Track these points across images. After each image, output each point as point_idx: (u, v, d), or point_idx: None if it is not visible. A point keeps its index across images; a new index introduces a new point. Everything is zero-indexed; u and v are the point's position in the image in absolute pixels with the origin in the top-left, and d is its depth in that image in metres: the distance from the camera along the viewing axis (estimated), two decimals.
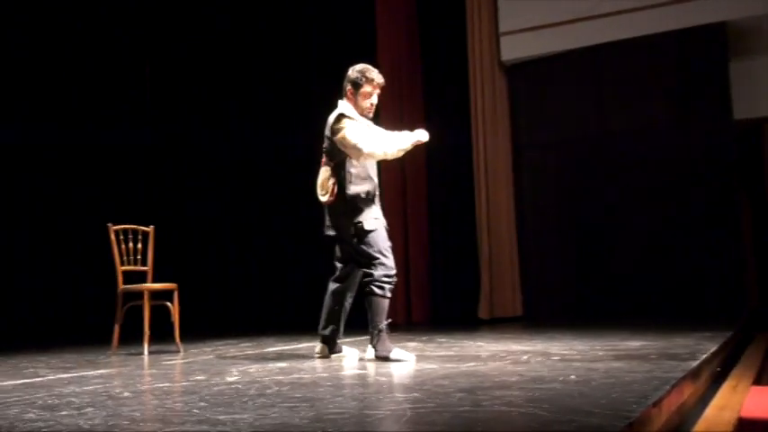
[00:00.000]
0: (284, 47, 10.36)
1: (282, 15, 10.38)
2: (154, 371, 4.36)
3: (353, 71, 4.60)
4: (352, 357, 4.66)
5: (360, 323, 4.78)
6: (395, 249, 4.62)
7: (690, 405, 3.33)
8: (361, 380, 3.59)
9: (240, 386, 3.38)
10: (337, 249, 4.66)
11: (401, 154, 4.51)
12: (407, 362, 4.24)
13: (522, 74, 9.50)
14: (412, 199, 9.47)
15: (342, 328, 4.75)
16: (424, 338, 6.13)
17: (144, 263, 5.87)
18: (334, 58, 9.60)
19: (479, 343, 5.52)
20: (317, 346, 4.79)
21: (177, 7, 9.91)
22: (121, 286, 5.65)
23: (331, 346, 4.75)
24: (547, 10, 9.01)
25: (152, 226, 5.93)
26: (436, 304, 9.58)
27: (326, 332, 4.71)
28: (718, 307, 7.85)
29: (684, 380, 3.20)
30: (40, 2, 8.43)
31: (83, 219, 8.27)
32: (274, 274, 10.14)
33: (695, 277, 8.22)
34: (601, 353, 4.34)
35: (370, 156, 4.43)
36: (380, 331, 4.36)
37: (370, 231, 4.39)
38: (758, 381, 4.17)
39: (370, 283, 4.36)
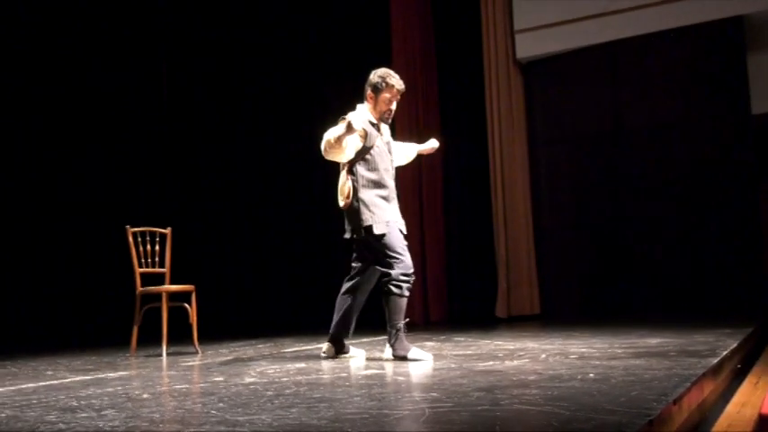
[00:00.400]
0: (298, 48, 10.38)
1: (297, 15, 10.39)
2: (172, 372, 4.37)
3: (375, 75, 4.59)
4: (360, 358, 4.66)
5: (376, 322, 4.78)
6: (411, 249, 4.61)
7: (710, 402, 3.31)
8: (379, 380, 3.58)
9: (258, 387, 3.38)
10: (354, 251, 4.65)
11: (339, 140, 4.28)
12: (425, 361, 4.24)
13: (537, 71, 9.47)
14: (428, 198, 9.46)
15: (351, 329, 4.75)
16: (441, 338, 6.12)
17: (162, 265, 5.90)
18: (349, 59, 9.65)
19: (497, 342, 5.51)
20: (324, 345, 4.79)
21: (194, 7, 9.94)
22: (139, 288, 5.67)
23: (338, 347, 4.75)
24: (561, 7, 8.98)
25: (169, 228, 5.96)
26: (453, 303, 9.57)
27: (336, 332, 4.72)
28: (737, 303, 7.79)
29: (705, 377, 3.17)
30: (59, 3, 8.48)
31: (101, 221, 8.31)
32: (291, 275, 10.16)
33: (714, 274, 8.17)
34: (619, 351, 4.32)
35: (326, 154, 4.38)
36: (398, 330, 4.36)
37: (381, 235, 4.39)
38: None
39: (388, 282, 4.36)
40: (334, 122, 4.60)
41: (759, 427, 2.84)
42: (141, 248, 5.76)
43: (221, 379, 3.79)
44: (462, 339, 5.87)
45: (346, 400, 2.83)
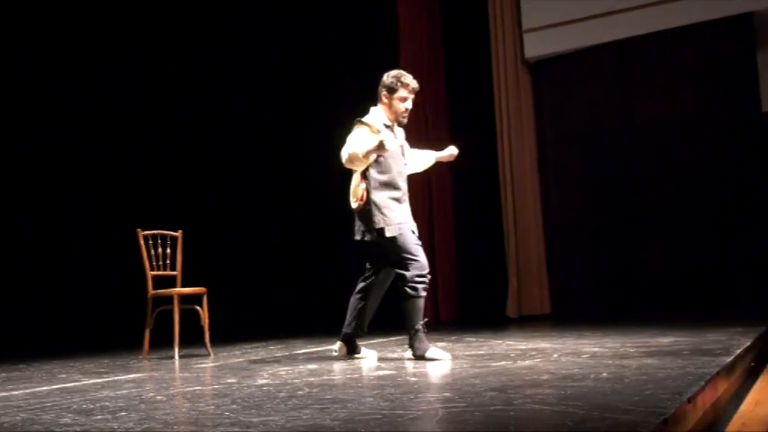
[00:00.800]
0: (306, 49, 10.39)
1: (303, 18, 10.40)
2: (185, 374, 4.39)
3: (388, 77, 4.61)
4: (371, 358, 4.66)
5: (389, 323, 4.78)
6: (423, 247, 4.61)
7: (724, 401, 3.30)
8: (392, 380, 3.58)
9: (271, 388, 3.39)
10: (366, 253, 4.65)
11: (367, 156, 4.32)
12: (443, 361, 4.24)
13: (545, 71, 9.46)
14: (438, 198, 9.46)
15: (364, 329, 4.75)
16: (452, 338, 6.11)
17: (173, 267, 5.91)
18: (356, 59, 9.65)
19: (509, 342, 5.50)
20: (336, 344, 4.80)
21: (201, 10, 9.96)
22: (151, 291, 5.69)
23: (350, 347, 4.76)
24: (569, 6, 8.97)
25: (180, 231, 5.98)
26: (463, 303, 9.57)
27: (350, 330, 4.72)
28: (749, 302, 7.76)
29: (719, 375, 3.16)
30: (66, 8, 8.51)
31: (112, 224, 8.34)
32: (302, 277, 10.17)
33: (726, 272, 8.13)
34: (632, 350, 4.30)
35: (348, 163, 4.41)
36: (417, 331, 4.37)
37: (392, 238, 4.39)
38: None
39: (404, 284, 4.37)
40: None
41: None
42: (153, 251, 5.77)
43: (234, 380, 3.80)
44: (474, 339, 5.87)
45: (359, 401, 2.83)
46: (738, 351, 3.90)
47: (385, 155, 4.45)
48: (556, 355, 4.23)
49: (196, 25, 9.91)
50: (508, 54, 9.38)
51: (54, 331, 7.98)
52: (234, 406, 2.89)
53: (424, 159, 4.97)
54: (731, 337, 4.68)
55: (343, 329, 4.76)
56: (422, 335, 4.38)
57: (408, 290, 4.35)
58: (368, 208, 4.45)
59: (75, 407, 3.13)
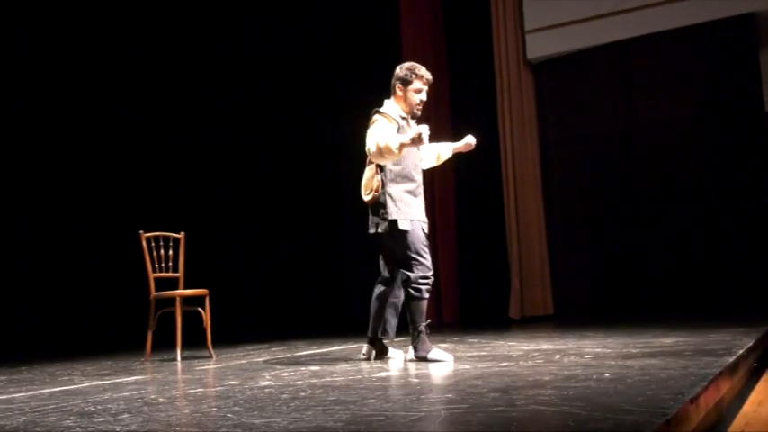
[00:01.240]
0: (309, 52, 10.39)
1: (306, 18, 10.41)
2: (187, 376, 4.39)
3: (401, 69, 4.60)
4: (398, 359, 4.65)
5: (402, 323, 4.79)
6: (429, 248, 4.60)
7: (727, 401, 3.29)
8: (395, 381, 3.58)
9: (273, 390, 3.39)
10: (380, 249, 4.64)
11: (401, 149, 4.27)
12: (446, 362, 4.24)
13: (548, 71, 9.47)
14: (440, 198, 9.47)
15: (390, 330, 4.71)
16: (455, 339, 6.11)
17: (175, 269, 5.91)
18: (360, 61, 9.66)
19: (511, 342, 5.50)
20: (364, 347, 4.79)
21: (204, 16, 9.96)
22: (153, 293, 5.69)
23: (377, 348, 4.75)
24: (572, 7, 8.97)
25: (183, 232, 5.98)
26: (466, 304, 9.56)
27: (372, 334, 4.72)
28: (752, 302, 7.75)
29: (721, 376, 3.15)
30: (74, 15, 8.52)
31: (114, 226, 8.35)
32: (304, 278, 10.17)
33: (728, 273, 8.12)
34: (634, 350, 4.30)
35: (375, 155, 4.34)
36: (420, 332, 4.37)
37: (405, 231, 4.38)
38: None
39: (408, 285, 4.37)
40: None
41: None
42: (155, 253, 5.78)
43: (236, 382, 3.80)
44: (476, 340, 5.86)
45: (361, 402, 2.83)
46: (741, 351, 3.90)
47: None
48: (558, 356, 4.23)
49: (197, 26, 9.91)
50: (511, 55, 9.38)
51: (56, 333, 7.97)
52: (236, 408, 2.89)
53: (441, 152, 4.90)
54: (734, 338, 4.67)
55: (368, 332, 4.74)
56: (424, 336, 4.38)
57: (412, 291, 4.36)
58: (382, 200, 4.42)
59: (77, 409, 3.13)
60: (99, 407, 3.16)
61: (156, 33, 9.45)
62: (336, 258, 9.89)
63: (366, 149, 4.42)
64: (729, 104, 8.41)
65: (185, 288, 5.85)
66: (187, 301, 5.72)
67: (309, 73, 10.36)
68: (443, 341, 5.86)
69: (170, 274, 5.89)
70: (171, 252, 5.87)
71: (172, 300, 5.63)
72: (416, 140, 4.22)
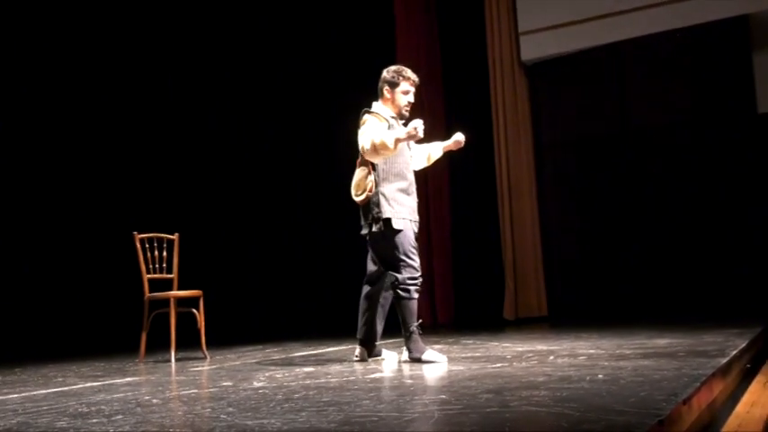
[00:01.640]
0: (302, 53, 10.39)
1: (300, 20, 10.40)
2: (181, 378, 4.38)
3: (388, 72, 4.61)
4: (392, 360, 4.65)
5: (388, 325, 4.79)
6: (419, 251, 4.61)
7: (720, 402, 3.30)
8: (389, 382, 3.59)
9: (267, 391, 3.39)
10: (370, 249, 4.65)
11: (396, 144, 4.29)
12: (440, 363, 4.24)
13: (542, 73, 9.48)
14: (434, 200, 9.48)
15: (379, 331, 4.74)
16: (449, 340, 6.12)
17: (169, 270, 5.91)
18: (354, 61, 9.66)
19: (505, 344, 5.50)
20: (356, 349, 4.79)
21: (202, 19, 9.95)
22: (147, 294, 5.69)
23: (369, 350, 4.75)
24: (566, 8, 8.98)
25: (177, 233, 5.98)
26: (460, 306, 9.57)
27: (362, 335, 4.72)
28: (746, 303, 7.77)
29: (714, 377, 3.16)
30: (67, 7, 8.51)
31: (108, 227, 8.34)
32: (299, 280, 10.16)
33: (722, 274, 8.14)
34: (628, 351, 4.31)
35: (369, 153, 4.34)
36: (412, 333, 4.37)
37: (398, 231, 4.39)
38: None
39: (396, 287, 4.37)
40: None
41: None
42: (149, 254, 5.78)
43: (230, 384, 3.80)
44: (470, 342, 5.87)
45: (355, 404, 2.83)
46: (734, 352, 3.91)
47: None
48: (552, 357, 4.23)
49: (195, 27, 9.90)
50: (505, 57, 9.39)
51: (50, 334, 7.96)
52: (230, 409, 2.89)
53: (431, 152, 4.90)
54: (727, 339, 4.68)
55: (358, 334, 4.75)
56: (417, 337, 4.38)
57: (401, 292, 4.36)
58: (376, 199, 4.43)
59: (71, 410, 3.13)
60: (93, 408, 3.16)
61: (152, 34, 9.44)
62: (331, 259, 9.88)
63: (360, 148, 4.43)
64: (723, 106, 8.43)
65: (179, 289, 5.85)
66: (181, 302, 5.72)
67: (306, 75, 10.35)
68: (437, 342, 5.87)
69: (164, 276, 5.89)
70: (165, 253, 5.87)
71: (166, 301, 5.63)
72: (412, 134, 4.23)
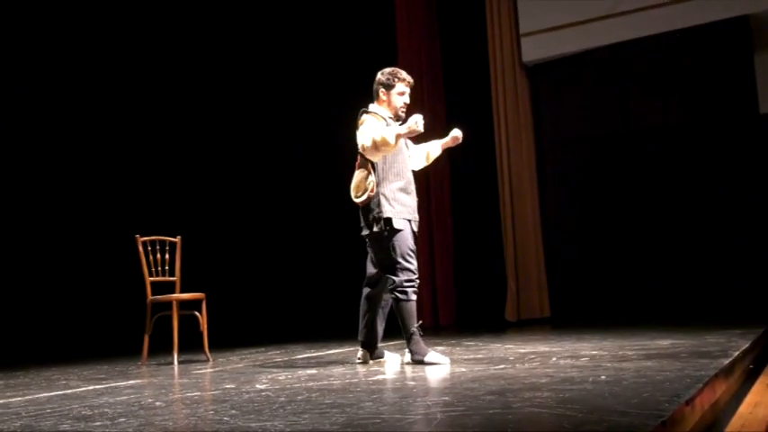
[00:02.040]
0: (304, 54, 10.40)
1: (301, 20, 10.41)
2: (184, 380, 4.39)
3: (383, 74, 4.62)
4: (394, 362, 4.65)
5: (389, 327, 4.80)
6: (420, 253, 4.61)
7: (723, 403, 3.30)
8: (391, 384, 3.59)
9: (270, 393, 3.39)
10: (370, 251, 4.65)
11: (398, 139, 4.32)
12: (442, 365, 4.24)
13: (543, 74, 9.48)
14: (436, 202, 9.48)
15: (380, 333, 4.75)
16: (452, 342, 6.11)
17: (172, 273, 5.91)
18: (355, 63, 9.66)
19: (507, 345, 5.50)
20: (359, 351, 4.79)
21: (203, 19, 9.96)
22: (150, 297, 5.69)
23: (371, 352, 4.75)
24: (566, 10, 8.98)
25: (179, 236, 5.98)
26: (462, 307, 9.56)
27: (364, 338, 4.72)
28: (748, 304, 7.76)
29: (717, 377, 3.16)
30: (67, 8, 8.52)
31: (111, 230, 8.34)
32: (301, 282, 10.17)
33: (725, 275, 8.13)
34: (630, 352, 4.31)
35: (370, 150, 4.35)
36: (413, 334, 4.37)
37: (398, 231, 4.39)
38: None
39: (394, 289, 4.38)
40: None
41: None
42: (151, 257, 5.78)
43: (233, 386, 3.80)
44: (473, 343, 5.87)
45: (358, 406, 2.83)
46: (737, 353, 3.91)
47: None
48: (554, 359, 4.23)
49: (196, 28, 9.91)
50: (506, 58, 9.39)
51: (53, 338, 7.97)
52: (233, 411, 2.90)
53: (429, 150, 4.91)
54: (729, 340, 4.68)
55: (359, 336, 4.76)
56: (418, 338, 4.38)
57: (398, 294, 4.36)
58: (376, 200, 4.43)
59: (74, 413, 3.13)
60: (96, 411, 3.16)
61: (154, 37, 9.45)
62: (332, 261, 9.88)
63: (360, 146, 4.44)
64: (725, 106, 8.42)
65: (182, 292, 5.85)
66: (184, 305, 5.72)
67: (306, 78, 10.36)
68: (440, 344, 5.87)
69: (166, 278, 5.89)
70: (167, 256, 5.87)
71: (168, 304, 5.63)
72: (413, 129, 4.23)
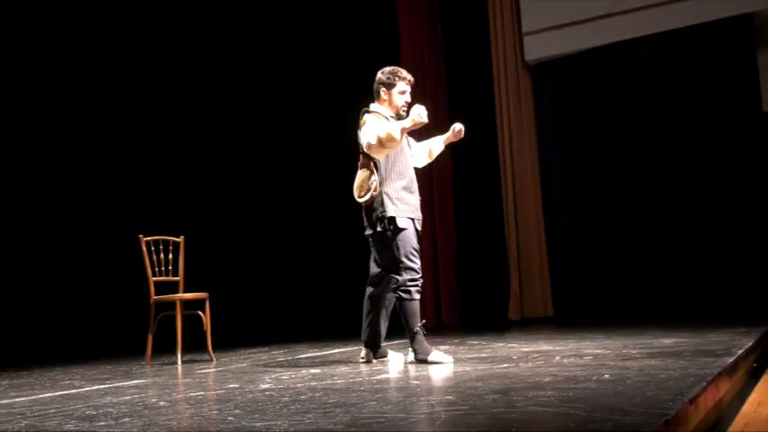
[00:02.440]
0: (307, 55, 10.39)
1: (303, 21, 10.41)
2: (188, 380, 4.39)
3: (383, 73, 4.63)
4: (398, 361, 4.65)
5: (393, 326, 4.80)
6: (423, 252, 4.62)
7: (726, 401, 3.30)
8: (395, 384, 3.59)
9: (274, 393, 3.39)
10: (373, 250, 4.66)
11: (403, 133, 4.35)
12: (445, 364, 4.24)
13: (546, 73, 9.48)
14: (439, 201, 9.48)
15: (383, 332, 4.75)
16: (455, 341, 6.12)
17: (175, 273, 5.92)
18: (357, 62, 9.65)
19: (511, 344, 5.50)
20: (362, 351, 4.79)
21: (206, 19, 9.97)
22: (153, 297, 5.70)
23: (374, 351, 4.76)
24: (570, 8, 8.97)
25: (182, 236, 5.99)
26: (466, 306, 9.57)
27: (367, 337, 4.73)
28: (751, 302, 7.76)
29: (720, 376, 3.16)
30: (68, 8, 8.53)
31: (114, 230, 8.35)
32: (304, 282, 10.17)
33: (728, 273, 8.13)
34: (634, 351, 4.31)
35: (375, 148, 4.36)
36: (416, 333, 4.37)
37: (401, 230, 4.39)
38: None
39: (397, 289, 4.38)
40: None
41: None
42: (155, 257, 5.79)
43: (236, 386, 3.81)
44: (476, 342, 5.87)
45: (362, 405, 2.84)
46: (740, 352, 3.91)
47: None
48: (558, 357, 4.23)
49: (198, 27, 9.91)
50: (508, 57, 9.39)
51: (56, 338, 7.97)
52: (237, 411, 2.90)
53: (432, 147, 4.91)
54: (733, 338, 4.68)
55: (362, 336, 4.76)
56: (421, 337, 4.39)
57: (402, 293, 4.36)
58: (380, 199, 4.44)
59: (78, 413, 3.14)
60: (100, 411, 3.16)
61: (157, 36, 9.45)
62: (336, 260, 9.88)
63: (365, 145, 4.44)
64: (728, 105, 8.42)
65: (185, 292, 5.86)
66: (187, 304, 5.72)
67: (309, 79, 10.36)
68: (443, 343, 5.87)
69: (170, 278, 5.89)
70: (171, 256, 5.87)
71: (172, 303, 5.63)
72: (417, 121, 4.24)
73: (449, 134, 4.84)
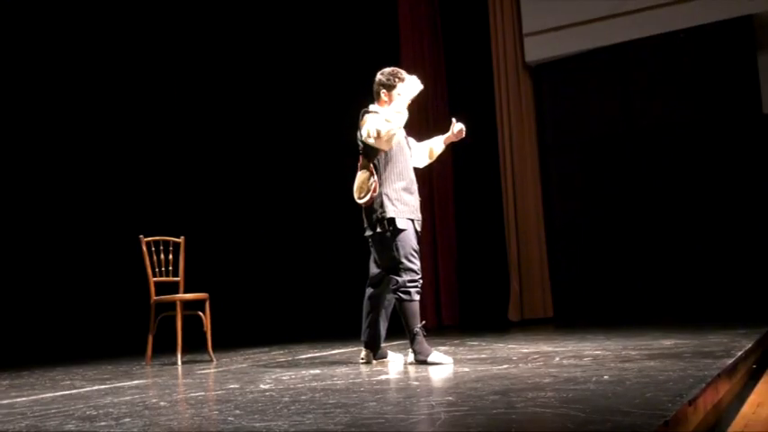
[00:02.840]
0: (308, 55, 10.40)
1: (304, 21, 10.41)
2: (188, 380, 4.40)
3: (383, 74, 4.63)
4: (398, 362, 4.66)
5: (392, 327, 4.80)
6: (423, 253, 4.62)
7: (726, 403, 3.30)
8: (395, 384, 3.59)
9: (274, 393, 3.40)
10: (373, 251, 4.66)
11: (397, 115, 4.42)
12: (445, 365, 4.25)
13: (546, 74, 9.48)
14: (439, 202, 9.48)
15: (383, 333, 4.76)
16: (455, 342, 6.12)
17: (176, 273, 5.92)
18: (357, 63, 9.65)
19: (511, 345, 5.51)
20: (362, 351, 4.80)
21: (206, 18, 9.97)
22: (154, 297, 5.70)
23: (374, 352, 4.76)
24: (570, 9, 8.97)
25: (183, 237, 5.99)
26: (466, 307, 9.57)
27: (367, 338, 4.73)
28: (751, 304, 7.76)
29: (720, 377, 3.16)
30: (68, 8, 8.54)
31: (115, 231, 8.36)
32: (304, 282, 10.17)
33: (728, 274, 8.13)
34: (633, 352, 4.31)
35: (378, 142, 4.40)
36: (416, 335, 4.38)
37: (401, 231, 4.40)
38: None
39: (397, 290, 4.38)
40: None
41: None
42: (155, 257, 5.79)
43: (237, 386, 3.81)
44: (476, 343, 5.87)
45: (362, 406, 2.84)
46: (740, 353, 3.91)
47: (393, 149, 4.46)
48: (557, 359, 4.24)
49: (198, 27, 9.92)
50: (509, 58, 9.40)
51: (57, 338, 7.98)
52: (237, 411, 2.91)
53: (432, 147, 4.92)
54: (733, 339, 4.68)
55: (362, 336, 4.76)
56: (421, 338, 4.39)
57: (401, 294, 4.37)
58: (379, 200, 4.45)
59: (78, 413, 3.14)
60: (100, 411, 3.17)
61: (157, 36, 9.46)
62: (337, 262, 9.88)
63: (363, 140, 4.46)
64: (728, 107, 8.42)
65: (185, 292, 5.86)
66: (187, 305, 5.73)
67: (310, 79, 10.36)
68: (443, 344, 5.87)
69: (170, 279, 5.90)
70: (171, 256, 5.88)
71: (172, 304, 5.64)
72: (414, 90, 4.47)
73: (449, 134, 4.85)
